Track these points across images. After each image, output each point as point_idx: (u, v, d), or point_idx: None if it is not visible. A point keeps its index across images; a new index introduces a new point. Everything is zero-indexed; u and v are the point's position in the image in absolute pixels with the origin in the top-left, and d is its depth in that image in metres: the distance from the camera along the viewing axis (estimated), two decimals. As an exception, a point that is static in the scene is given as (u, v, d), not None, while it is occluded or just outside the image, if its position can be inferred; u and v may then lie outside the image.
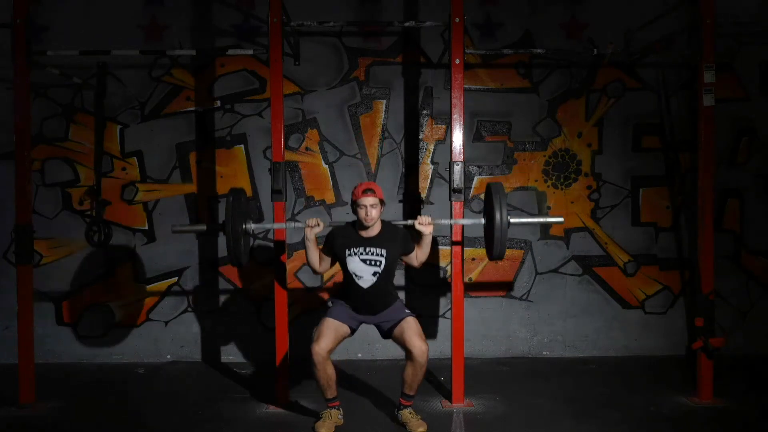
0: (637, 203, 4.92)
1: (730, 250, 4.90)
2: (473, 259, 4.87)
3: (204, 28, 4.79)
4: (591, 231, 4.91)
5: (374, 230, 3.47)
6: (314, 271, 3.61)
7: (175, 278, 4.85)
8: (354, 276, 3.43)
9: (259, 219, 4.83)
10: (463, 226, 3.86)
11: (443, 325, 4.82)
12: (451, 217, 3.80)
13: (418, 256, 3.59)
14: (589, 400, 3.92)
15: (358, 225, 3.47)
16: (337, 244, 3.49)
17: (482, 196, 4.84)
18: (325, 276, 4.80)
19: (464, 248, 3.95)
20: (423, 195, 4.85)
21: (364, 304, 3.46)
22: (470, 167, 4.85)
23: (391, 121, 4.85)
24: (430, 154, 4.86)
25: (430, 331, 4.72)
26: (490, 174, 4.88)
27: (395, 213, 4.81)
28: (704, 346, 3.84)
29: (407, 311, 3.49)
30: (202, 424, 3.59)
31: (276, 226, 3.71)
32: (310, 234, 3.48)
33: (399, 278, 4.70)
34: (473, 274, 4.88)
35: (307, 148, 4.84)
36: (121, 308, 4.84)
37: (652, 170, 4.90)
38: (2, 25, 3.89)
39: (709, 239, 3.87)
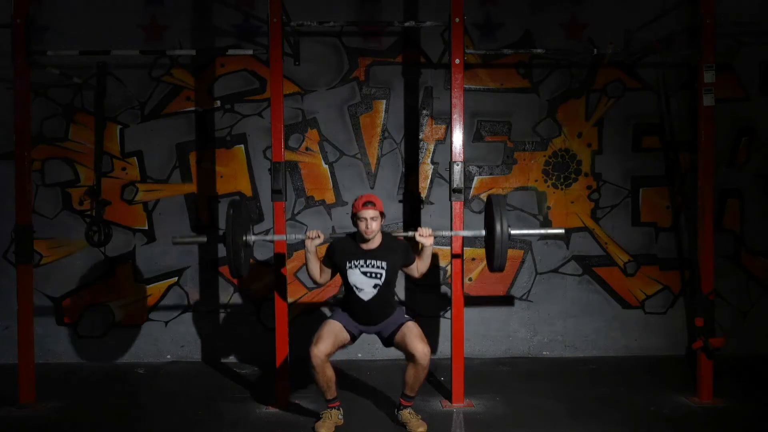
0: (637, 203, 4.92)
1: (730, 250, 4.90)
2: (473, 259, 4.87)
3: (204, 28, 4.79)
4: (591, 231, 4.91)
5: (375, 242, 3.47)
6: (315, 282, 3.62)
7: (175, 278, 4.85)
8: (355, 288, 3.44)
9: (259, 219, 4.83)
10: (462, 226, 3.84)
11: (443, 325, 4.82)
12: (452, 229, 3.80)
13: (419, 267, 3.59)
14: (589, 400, 3.92)
15: (359, 237, 3.46)
16: (337, 257, 3.50)
17: (482, 196, 4.85)
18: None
19: (464, 248, 3.95)
20: (423, 195, 4.86)
21: (364, 315, 3.48)
22: (470, 167, 4.85)
23: (391, 121, 4.85)
24: (430, 154, 4.87)
25: (430, 331, 4.71)
26: (490, 174, 4.88)
27: (395, 213, 4.81)
28: (704, 346, 3.84)
29: (406, 316, 3.51)
30: (202, 424, 3.59)
31: (276, 237, 3.71)
32: (311, 245, 3.48)
33: (399, 278, 4.68)
34: (473, 274, 4.88)
35: (307, 148, 4.84)
36: (121, 308, 4.84)
37: (652, 170, 4.91)
38: (2, 25, 3.89)
39: (709, 239, 3.87)
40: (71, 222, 4.79)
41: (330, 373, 3.35)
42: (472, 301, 4.75)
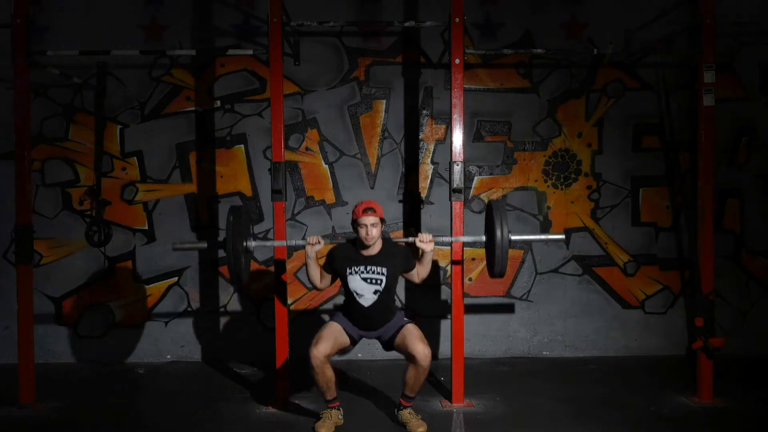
0: (637, 203, 4.92)
1: (730, 250, 4.90)
2: (473, 259, 4.87)
3: (204, 28, 4.79)
4: (591, 231, 4.91)
5: (375, 249, 3.47)
6: (315, 287, 3.62)
7: (175, 278, 4.85)
8: (355, 294, 3.44)
9: (259, 219, 4.83)
10: (462, 227, 3.84)
11: (443, 326, 4.82)
12: (452, 234, 3.80)
13: (420, 273, 3.59)
14: (589, 400, 3.92)
15: (359, 243, 3.46)
16: (337, 263, 3.50)
17: (482, 196, 4.85)
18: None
19: (464, 248, 3.95)
20: (423, 195, 4.85)
21: (365, 321, 3.48)
22: (470, 167, 4.85)
23: (391, 121, 4.85)
24: (430, 154, 4.87)
25: (430, 331, 4.71)
26: (490, 174, 4.88)
27: (395, 213, 4.82)
28: (704, 346, 3.84)
29: (406, 319, 3.52)
30: (202, 424, 3.59)
31: (277, 243, 3.71)
32: (311, 251, 3.48)
33: (399, 280, 4.68)
34: (473, 274, 4.88)
35: (307, 148, 4.84)
36: (121, 308, 4.84)
37: (652, 170, 4.91)
38: (2, 25, 3.89)
39: (709, 239, 3.87)
40: (71, 222, 4.79)
41: (330, 373, 3.36)
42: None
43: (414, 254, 3.62)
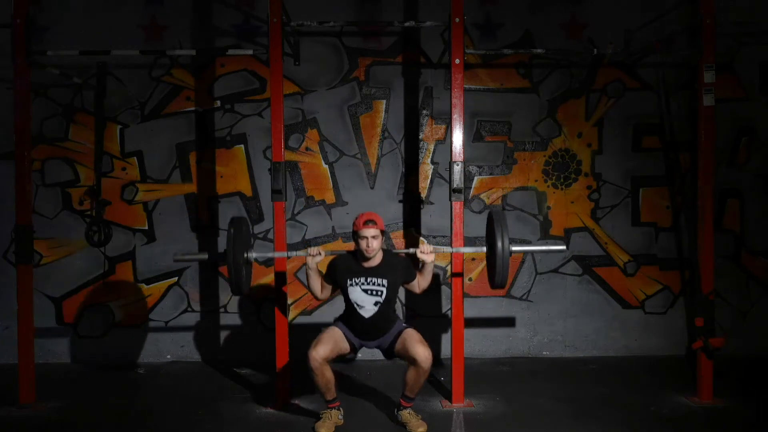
0: (637, 203, 4.92)
1: (730, 250, 4.90)
2: (473, 259, 4.87)
3: (204, 28, 4.79)
4: (591, 231, 4.91)
5: (375, 260, 3.47)
6: (315, 298, 3.63)
7: (175, 278, 4.85)
8: (356, 306, 3.45)
9: (259, 219, 4.83)
10: (463, 235, 3.83)
11: (443, 326, 4.82)
12: (452, 245, 3.80)
13: (420, 283, 3.59)
14: (589, 400, 3.91)
15: (360, 255, 3.46)
16: (338, 274, 3.50)
17: (482, 196, 4.85)
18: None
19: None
20: (423, 195, 4.85)
21: (365, 331, 3.49)
22: (470, 167, 4.85)
23: (391, 121, 4.85)
24: (430, 154, 4.87)
25: (429, 331, 4.71)
26: (490, 174, 4.88)
27: (395, 213, 4.82)
28: (704, 346, 3.84)
29: (404, 324, 3.53)
30: (202, 424, 3.59)
31: (277, 255, 3.70)
32: (311, 262, 3.48)
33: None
34: (473, 274, 4.88)
35: (307, 148, 4.84)
36: (121, 308, 4.84)
37: (652, 170, 4.90)
38: (2, 25, 3.89)
39: (709, 239, 3.87)
40: (71, 222, 4.79)
41: (329, 375, 3.36)
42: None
43: (415, 264, 3.62)
